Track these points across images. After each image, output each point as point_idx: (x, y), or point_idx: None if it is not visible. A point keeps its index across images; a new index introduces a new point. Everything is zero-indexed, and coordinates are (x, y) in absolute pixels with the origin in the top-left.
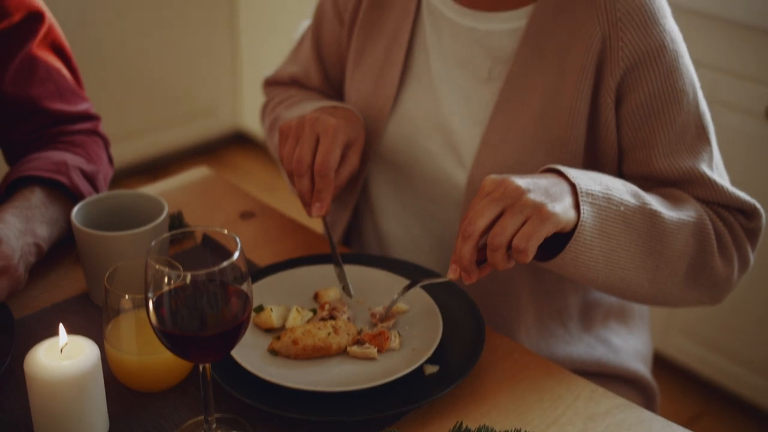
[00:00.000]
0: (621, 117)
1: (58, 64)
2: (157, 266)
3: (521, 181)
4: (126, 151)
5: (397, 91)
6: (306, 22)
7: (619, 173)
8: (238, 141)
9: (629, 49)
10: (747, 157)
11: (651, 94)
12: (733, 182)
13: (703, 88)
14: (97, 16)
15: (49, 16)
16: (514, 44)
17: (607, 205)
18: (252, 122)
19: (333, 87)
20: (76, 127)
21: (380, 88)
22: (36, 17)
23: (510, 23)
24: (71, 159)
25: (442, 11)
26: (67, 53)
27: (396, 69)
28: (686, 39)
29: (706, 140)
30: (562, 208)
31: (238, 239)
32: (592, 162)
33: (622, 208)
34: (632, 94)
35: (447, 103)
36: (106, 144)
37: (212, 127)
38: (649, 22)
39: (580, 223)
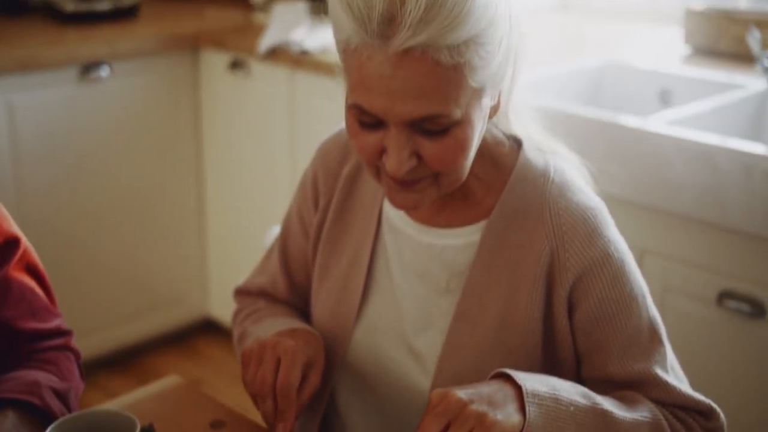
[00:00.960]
0: (574, 324)
1: (31, 283)
2: None
3: (463, 393)
4: (95, 343)
5: (360, 304)
6: (276, 228)
7: (579, 379)
8: (208, 329)
9: (576, 260)
10: (700, 342)
11: (601, 301)
12: (687, 369)
13: (657, 276)
14: (65, 216)
15: (24, 240)
16: (470, 258)
17: (555, 406)
18: (221, 310)
19: (300, 297)
20: (48, 344)
21: (345, 300)
22: (12, 243)
23: (465, 238)
24: (44, 378)
25: (402, 229)
26: (40, 272)
27: (359, 282)
28: (641, 232)
29: (659, 342)
30: (504, 414)
31: None
32: (551, 367)
33: (572, 408)
34: (583, 302)
35: (408, 313)
36: (77, 358)
37: (181, 316)
38: (593, 234)
39: (526, 424)
